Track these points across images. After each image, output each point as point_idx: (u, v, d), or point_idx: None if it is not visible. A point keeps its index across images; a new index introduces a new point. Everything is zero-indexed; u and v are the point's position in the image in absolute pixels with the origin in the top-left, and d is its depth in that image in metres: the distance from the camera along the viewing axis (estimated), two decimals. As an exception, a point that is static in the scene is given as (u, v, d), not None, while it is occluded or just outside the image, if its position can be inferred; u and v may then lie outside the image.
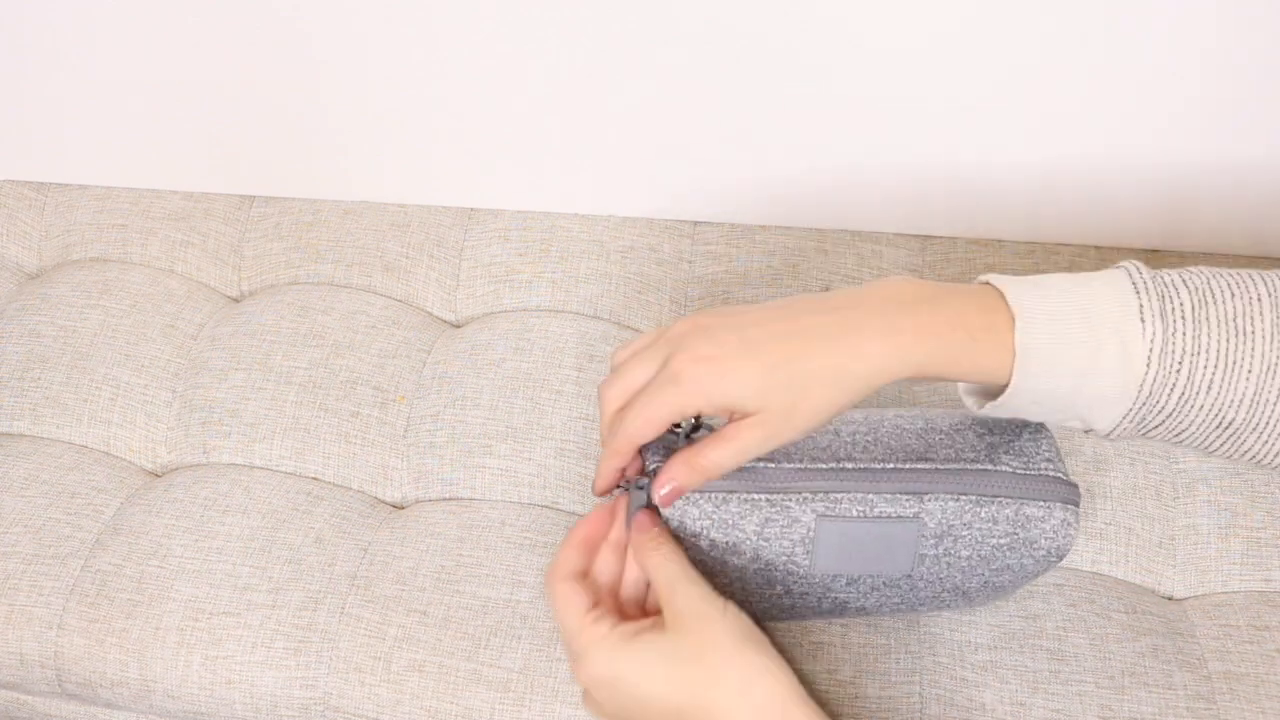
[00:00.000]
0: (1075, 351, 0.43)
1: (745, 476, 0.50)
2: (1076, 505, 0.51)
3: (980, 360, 0.44)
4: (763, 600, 0.54)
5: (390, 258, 0.76)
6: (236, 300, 0.78)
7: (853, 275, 0.72)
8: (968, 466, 0.51)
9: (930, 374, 0.45)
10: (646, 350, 0.49)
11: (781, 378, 0.45)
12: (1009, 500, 0.50)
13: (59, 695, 0.65)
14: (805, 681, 0.56)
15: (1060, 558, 0.51)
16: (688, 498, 0.50)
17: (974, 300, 0.45)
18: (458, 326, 0.75)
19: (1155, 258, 0.71)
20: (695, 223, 0.75)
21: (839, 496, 0.50)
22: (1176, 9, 0.56)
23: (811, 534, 0.50)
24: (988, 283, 0.46)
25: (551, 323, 0.71)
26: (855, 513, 0.50)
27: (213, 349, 0.73)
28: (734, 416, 0.47)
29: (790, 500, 0.50)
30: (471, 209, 0.77)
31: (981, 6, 0.58)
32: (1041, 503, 0.50)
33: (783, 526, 0.50)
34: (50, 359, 0.72)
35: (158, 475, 0.70)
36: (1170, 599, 0.61)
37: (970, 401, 0.50)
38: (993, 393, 0.47)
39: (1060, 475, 0.51)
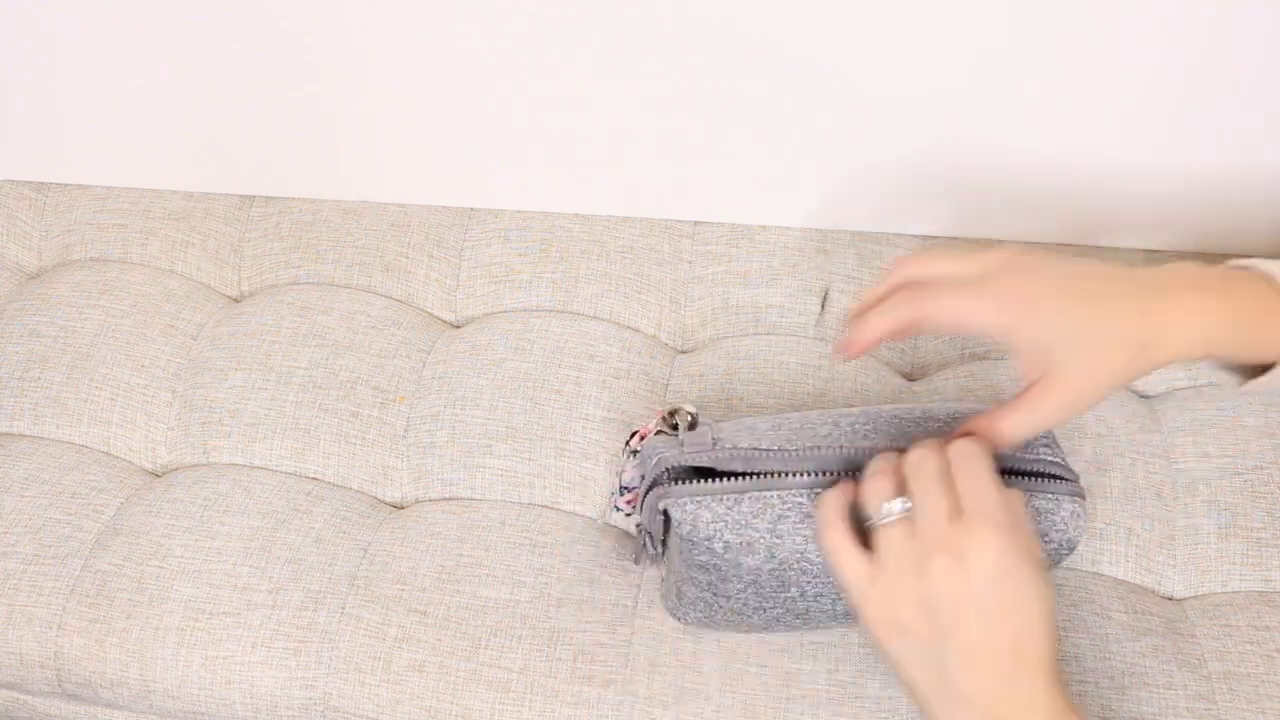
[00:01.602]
0: None
1: (753, 462, 0.50)
2: (1083, 497, 0.50)
3: (1262, 343, 0.46)
4: (777, 606, 0.53)
5: (390, 258, 0.76)
6: (236, 300, 0.78)
7: (853, 275, 0.72)
8: None
9: (1219, 353, 0.46)
10: (963, 256, 0.48)
11: (1093, 334, 0.45)
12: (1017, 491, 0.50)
13: (59, 695, 0.65)
14: (805, 681, 0.57)
15: (1071, 550, 0.51)
16: (699, 501, 0.50)
17: (1251, 287, 0.46)
18: (458, 326, 0.75)
19: (1155, 258, 0.71)
20: (695, 223, 0.75)
21: (849, 486, 0.49)
22: (1177, 11, 0.56)
23: None
24: (1245, 268, 0.47)
25: (551, 323, 0.71)
26: None
27: (213, 349, 0.73)
28: (1028, 377, 0.46)
29: (802, 496, 0.49)
30: (471, 209, 0.77)
31: (982, 8, 0.58)
32: (1050, 495, 0.50)
33: (794, 523, 0.50)
34: (50, 359, 0.72)
35: (158, 475, 0.70)
36: (1170, 599, 0.61)
37: (1224, 376, 0.50)
38: (1253, 372, 0.48)
39: (1060, 462, 0.51)
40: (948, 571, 0.43)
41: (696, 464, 0.51)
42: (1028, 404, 0.47)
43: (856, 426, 0.52)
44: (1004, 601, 0.43)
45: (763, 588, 0.52)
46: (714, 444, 0.51)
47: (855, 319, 0.49)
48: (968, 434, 0.48)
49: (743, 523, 0.50)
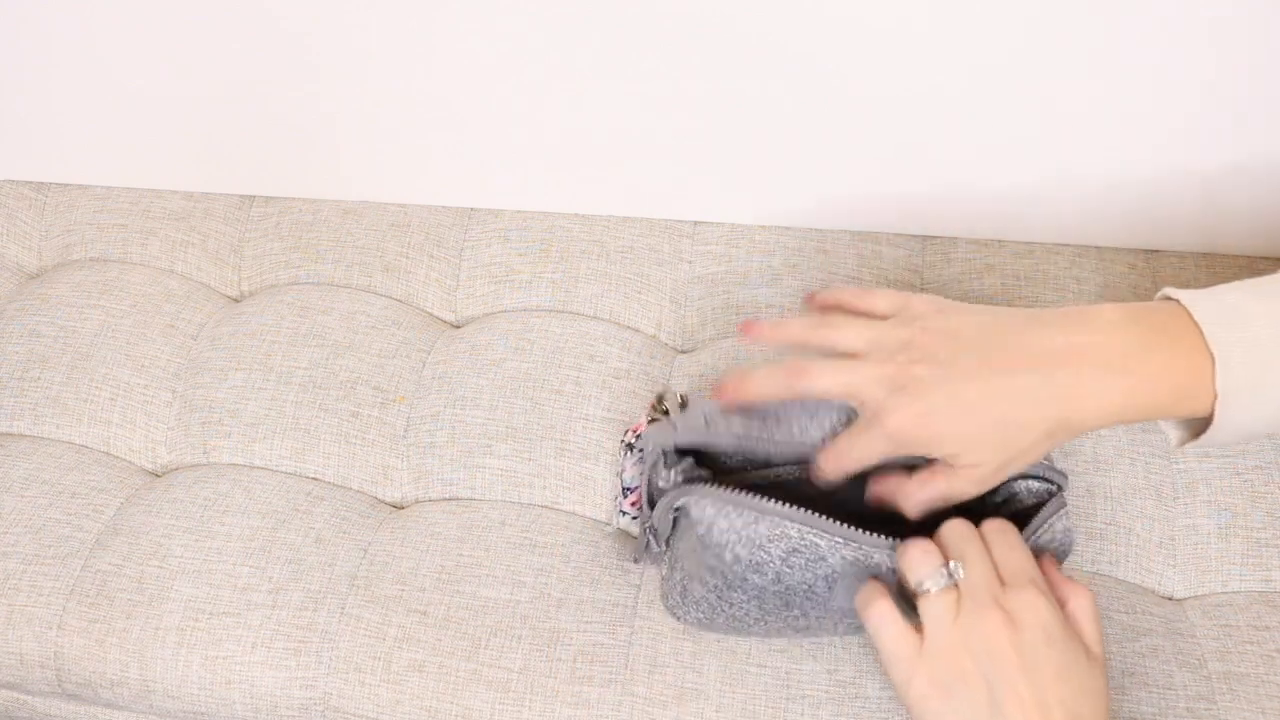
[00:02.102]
0: (1276, 380, 0.43)
1: (745, 441, 0.51)
2: (1065, 504, 0.51)
3: (1184, 408, 0.45)
4: (778, 621, 0.53)
5: (390, 258, 0.76)
6: (236, 300, 0.78)
7: (853, 275, 0.72)
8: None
9: (1140, 419, 0.46)
10: (869, 335, 0.48)
11: (997, 437, 0.45)
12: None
13: (59, 695, 0.65)
14: (805, 681, 0.57)
15: (1064, 558, 0.51)
16: (719, 509, 0.49)
17: (1176, 342, 0.45)
18: (458, 326, 0.75)
19: (1154, 259, 0.71)
20: (695, 223, 0.75)
21: (870, 552, 0.49)
22: (1176, 11, 0.56)
23: (836, 574, 0.50)
24: (1173, 299, 0.46)
25: (551, 323, 0.71)
26: (885, 567, 0.49)
27: (213, 349, 0.73)
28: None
29: (820, 540, 0.49)
30: (471, 209, 0.77)
31: (982, 8, 0.58)
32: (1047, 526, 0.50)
33: (808, 559, 0.49)
34: (50, 359, 0.72)
35: (158, 475, 0.70)
36: (1170, 599, 0.61)
37: (1173, 435, 0.50)
38: (1195, 429, 0.47)
39: (1051, 465, 0.51)
40: (1001, 626, 0.44)
41: (692, 445, 0.51)
42: (943, 479, 0.47)
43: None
44: (1055, 664, 0.44)
45: (766, 603, 0.52)
46: (706, 424, 0.51)
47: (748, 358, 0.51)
48: (880, 489, 0.50)
49: (757, 543, 0.49)
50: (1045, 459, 0.51)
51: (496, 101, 0.69)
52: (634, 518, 0.59)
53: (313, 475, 0.68)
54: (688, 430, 0.51)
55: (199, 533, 0.64)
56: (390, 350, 0.71)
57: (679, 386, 0.68)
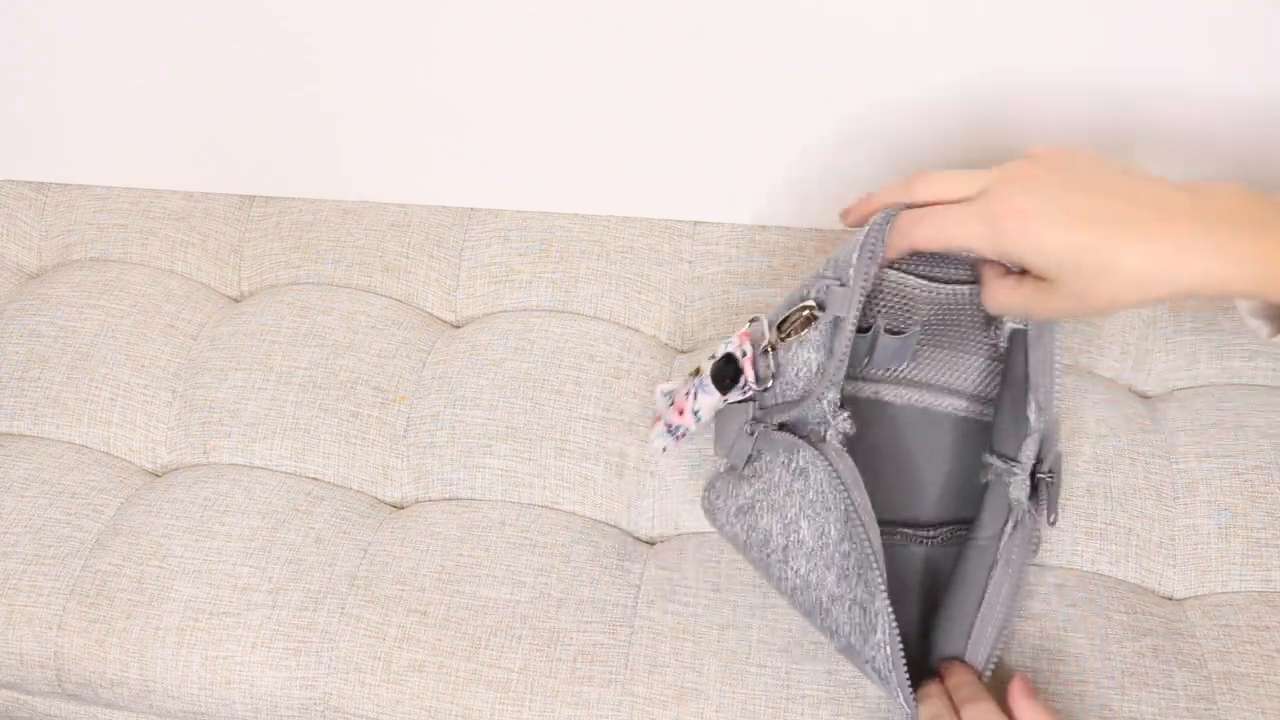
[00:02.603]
0: None
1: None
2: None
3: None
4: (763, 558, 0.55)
5: (390, 258, 0.76)
6: (236, 300, 0.78)
7: (853, 275, 0.72)
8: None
9: (1236, 295, 0.44)
10: (969, 174, 0.48)
11: (1087, 261, 0.44)
12: None
13: (59, 695, 0.65)
14: (805, 681, 0.57)
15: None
16: (714, 514, 0.51)
17: None
18: (458, 326, 0.75)
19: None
20: (695, 223, 0.75)
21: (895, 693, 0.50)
22: (1178, 11, 0.56)
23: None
24: None
25: (551, 323, 0.71)
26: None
27: (213, 349, 0.73)
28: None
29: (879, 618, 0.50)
30: (471, 209, 0.77)
31: (982, 8, 0.58)
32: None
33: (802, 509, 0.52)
34: (50, 359, 0.72)
35: (158, 475, 0.70)
36: (1170, 599, 0.61)
37: (1257, 325, 0.48)
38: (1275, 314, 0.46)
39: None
40: None
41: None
42: (1030, 291, 0.46)
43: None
44: None
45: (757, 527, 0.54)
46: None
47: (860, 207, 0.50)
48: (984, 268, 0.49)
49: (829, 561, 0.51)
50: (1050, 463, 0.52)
51: (496, 101, 0.69)
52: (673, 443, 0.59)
53: (313, 475, 0.68)
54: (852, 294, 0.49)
55: (199, 533, 0.64)
56: (390, 350, 0.71)
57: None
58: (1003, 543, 0.52)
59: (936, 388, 0.59)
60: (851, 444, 0.52)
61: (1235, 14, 0.56)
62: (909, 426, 0.59)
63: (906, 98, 0.63)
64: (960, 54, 0.60)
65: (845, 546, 0.50)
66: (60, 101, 0.75)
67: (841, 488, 0.49)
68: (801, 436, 0.52)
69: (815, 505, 0.51)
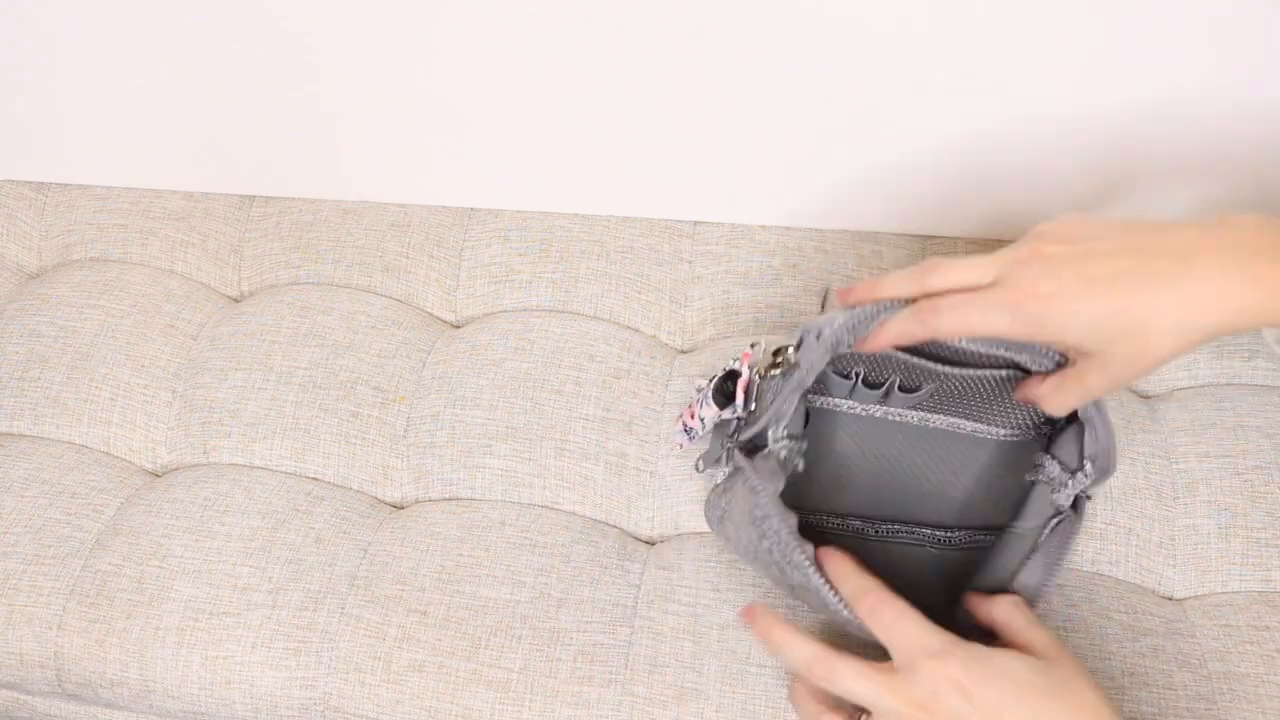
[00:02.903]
0: None
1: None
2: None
3: None
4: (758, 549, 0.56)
5: (390, 258, 0.76)
6: (236, 300, 0.78)
7: (853, 275, 0.72)
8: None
9: (1268, 324, 0.43)
10: (980, 260, 0.47)
11: (1123, 323, 0.43)
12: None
13: (59, 695, 0.65)
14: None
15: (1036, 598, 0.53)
16: (710, 523, 0.54)
17: None
18: (458, 326, 0.75)
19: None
20: (695, 223, 0.75)
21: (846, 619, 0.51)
22: (1178, 11, 0.56)
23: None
24: None
25: (551, 323, 0.71)
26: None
27: (213, 349, 0.73)
28: (1070, 356, 0.46)
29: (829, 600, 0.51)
30: (471, 209, 0.77)
31: (982, 8, 0.58)
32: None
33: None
34: (50, 359, 0.72)
35: (158, 475, 0.70)
36: (1170, 599, 0.61)
37: None
38: None
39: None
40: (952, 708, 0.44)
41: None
42: (1076, 377, 0.46)
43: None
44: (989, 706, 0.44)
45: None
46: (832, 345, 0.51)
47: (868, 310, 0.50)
48: (1023, 393, 0.50)
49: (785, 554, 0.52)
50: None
51: (496, 101, 0.69)
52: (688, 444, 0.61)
53: (313, 475, 0.68)
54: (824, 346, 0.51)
55: (199, 533, 0.64)
56: (390, 350, 0.71)
57: (683, 388, 0.68)
58: (1044, 536, 0.52)
59: (963, 416, 0.58)
60: (871, 454, 0.56)
61: (1235, 14, 0.56)
62: (940, 446, 0.59)
63: (906, 98, 0.63)
64: (960, 54, 0.60)
65: (765, 544, 0.52)
66: (60, 101, 0.75)
67: (753, 481, 0.52)
68: (750, 454, 0.54)
69: (743, 515, 0.53)
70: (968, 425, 0.58)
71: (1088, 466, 0.52)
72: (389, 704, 0.59)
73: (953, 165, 0.67)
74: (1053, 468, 0.53)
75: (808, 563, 0.49)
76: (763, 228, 0.74)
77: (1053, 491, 0.53)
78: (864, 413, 0.59)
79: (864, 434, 0.59)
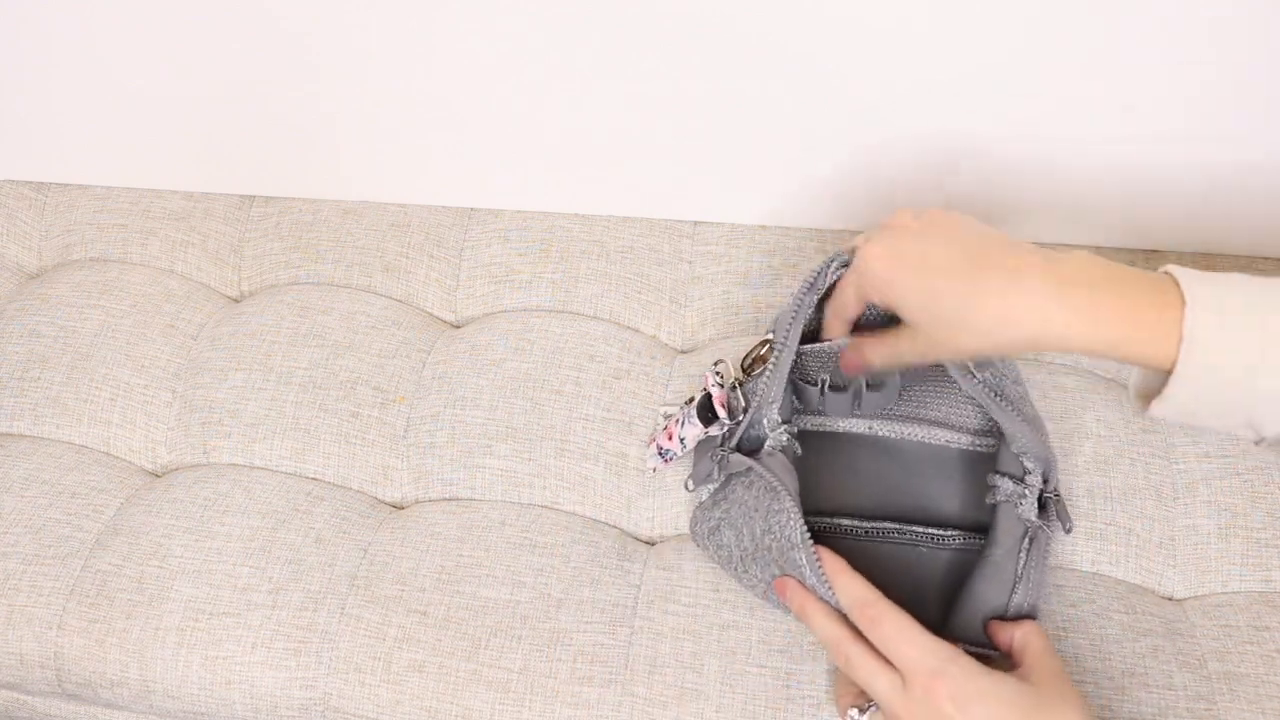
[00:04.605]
0: (1243, 340, 0.42)
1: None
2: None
3: (1145, 348, 0.44)
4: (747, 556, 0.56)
5: (390, 258, 0.76)
6: (236, 300, 0.78)
7: (853, 275, 0.72)
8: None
9: (1094, 352, 0.45)
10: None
11: (942, 311, 0.47)
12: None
13: (59, 695, 0.65)
14: (805, 681, 0.57)
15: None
16: (695, 540, 0.56)
17: (1151, 288, 0.44)
18: (458, 327, 0.75)
19: (1155, 258, 0.71)
20: (695, 223, 0.75)
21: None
22: (1178, 10, 0.56)
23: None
24: (1168, 273, 0.45)
25: (551, 323, 0.71)
26: None
27: (213, 349, 0.73)
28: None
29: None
30: (471, 209, 0.77)
31: (982, 8, 0.58)
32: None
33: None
34: (50, 359, 0.72)
35: (158, 475, 0.70)
36: (1170, 599, 0.61)
37: (1138, 404, 0.49)
38: (1157, 391, 0.46)
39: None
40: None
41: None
42: (892, 340, 0.51)
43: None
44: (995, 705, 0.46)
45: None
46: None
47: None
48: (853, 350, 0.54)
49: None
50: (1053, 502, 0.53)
51: (496, 101, 0.69)
52: (659, 466, 0.63)
53: (313, 475, 0.68)
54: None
55: (199, 533, 0.64)
56: (390, 350, 0.71)
57: (683, 388, 0.68)
58: (1023, 562, 0.53)
59: (937, 423, 0.60)
60: (840, 471, 0.59)
61: (1235, 14, 0.56)
62: (908, 458, 0.60)
63: (906, 98, 0.63)
64: (960, 53, 0.60)
65: (768, 540, 0.53)
66: (60, 101, 0.75)
67: (770, 480, 0.53)
68: (750, 453, 0.56)
69: (754, 511, 0.54)
70: (945, 435, 0.59)
71: (1026, 463, 0.53)
72: (389, 704, 0.59)
73: (952, 165, 0.67)
74: (1004, 484, 0.54)
75: (809, 568, 0.50)
76: (763, 228, 0.74)
77: (1015, 507, 0.53)
78: (843, 429, 0.61)
79: (828, 448, 0.61)
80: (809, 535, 0.51)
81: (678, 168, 0.71)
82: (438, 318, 0.76)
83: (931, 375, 0.59)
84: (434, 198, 0.77)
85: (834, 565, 0.51)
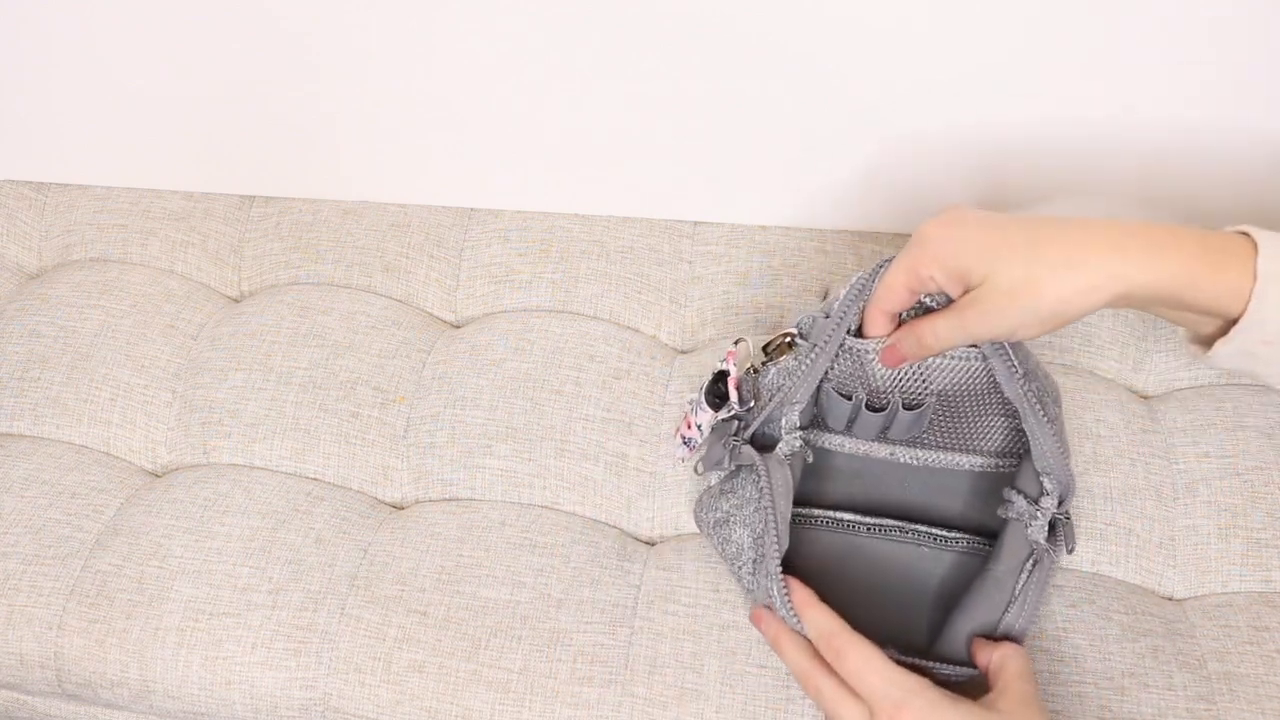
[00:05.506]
0: None
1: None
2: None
3: (1217, 284, 0.43)
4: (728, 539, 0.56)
5: (390, 258, 0.76)
6: (236, 300, 0.78)
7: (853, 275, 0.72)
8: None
9: (1165, 296, 0.44)
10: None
11: (1017, 252, 0.45)
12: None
13: (59, 695, 0.65)
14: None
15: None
16: (700, 525, 0.54)
17: (1219, 236, 0.44)
18: (458, 327, 0.75)
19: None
20: (695, 223, 0.75)
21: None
22: (1178, 10, 0.56)
23: None
24: (1233, 229, 0.45)
25: (551, 323, 0.71)
26: None
27: (213, 349, 0.73)
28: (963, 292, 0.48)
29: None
30: (471, 209, 0.77)
31: (982, 8, 0.58)
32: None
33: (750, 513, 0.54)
34: (50, 359, 0.72)
35: (158, 475, 0.70)
36: (1170, 599, 0.61)
37: (1194, 349, 0.49)
38: (1216, 335, 0.46)
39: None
40: None
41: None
42: (954, 313, 0.48)
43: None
44: None
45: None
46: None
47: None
48: (902, 335, 0.51)
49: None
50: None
51: (496, 101, 0.69)
52: (687, 455, 0.62)
53: (313, 475, 0.68)
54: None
55: (199, 533, 0.64)
56: (390, 350, 0.71)
57: (682, 388, 0.68)
58: (1021, 583, 0.52)
59: (959, 450, 0.59)
60: (857, 499, 0.58)
61: (1235, 14, 0.56)
62: (921, 473, 0.60)
63: (907, 97, 0.63)
64: (960, 53, 0.60)
65: (752, 553, 0.53)
66: (60, 101, 0.75)
67: (765, 491, 0.52)
68: (762, 449, 0.55)
69: (754, 515, 0.54)
70: (962, 459, 0.59)
71: (1045, 484, 0.53)
72: (389, 704, 0.59)
73: (952, 165, 0.67)
74: (1019, 501, 0.54)
75: (779, 599, 0.51)
76: (763, 228, 0.74)
77: (1025, 526, 0.53)
78: (863, 452, 0.60)
79: (840, 458, 0.61)
80: (780, 568, 0.51)
81: (678, 168, 0.71)
82: (438, 318, 0.76)
83: (960, 401, 0.56)
84: (434, 198, 0.77)
85: (801, 596, 0.51)
